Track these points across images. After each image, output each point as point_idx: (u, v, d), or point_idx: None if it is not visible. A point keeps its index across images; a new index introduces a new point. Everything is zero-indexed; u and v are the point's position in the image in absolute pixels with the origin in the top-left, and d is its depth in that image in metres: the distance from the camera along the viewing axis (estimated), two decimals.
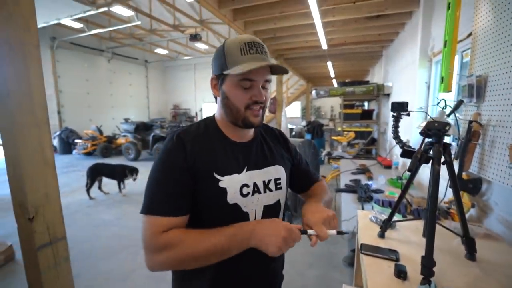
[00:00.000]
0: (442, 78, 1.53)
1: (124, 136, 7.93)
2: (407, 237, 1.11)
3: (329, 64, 7.64)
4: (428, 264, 0.79)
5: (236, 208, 0.69)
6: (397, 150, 3.48)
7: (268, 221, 0.63)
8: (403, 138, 3.33)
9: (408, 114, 1.15)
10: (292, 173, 0.85)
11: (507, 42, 1.20)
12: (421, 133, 0.89)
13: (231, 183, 0.68)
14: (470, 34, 1.62)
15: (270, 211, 0.74)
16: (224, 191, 0.67)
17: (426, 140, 0.90)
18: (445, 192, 1.33)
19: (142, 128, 7.79)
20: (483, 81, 1.30)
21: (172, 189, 0.64)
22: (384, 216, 1.23)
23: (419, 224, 1.17)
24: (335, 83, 11.87)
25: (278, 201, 0.76)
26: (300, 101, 14.82)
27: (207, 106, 15.20)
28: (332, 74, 9.66)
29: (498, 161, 1.17)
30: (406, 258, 0.96)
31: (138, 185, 4.82)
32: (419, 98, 2.71)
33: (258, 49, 0.66)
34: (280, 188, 0.77)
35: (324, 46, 4.87)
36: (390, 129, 4.92)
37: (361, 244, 1.04)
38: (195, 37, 9.08)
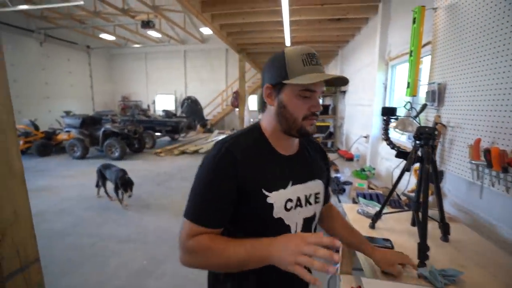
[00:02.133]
0: (408, 83, 1.74)
1: (67, 131, 6.97)
2: (393, 226, 1.27)
3: None
4: (423, 249, 0.93)
5: (280, 222, 0.70)
6: (357, 144, 3.84)
7: (283, 236, 0.60)
8: (363, 131, 3.68)
9: (397, 118, 1.30)
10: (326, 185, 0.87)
11: (460, 56, 1.43)
12: (414, 136, 1.02)
13: (277, 198, 0.69)
14: (426, 44, 1.88)
15: (308, 223, 0.77)
16: (271, 206, 0.68)
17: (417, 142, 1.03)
18: (408, 183, 1.55)
19: (89, 123, 6.94)
20: (442, 88, 1.53)
21: (215, 200, 0.66)
22: (370, 209, 1.38)
23: (400, 215, 1.34)
24: None
25: (315, 213, 0.79)
26: (257, 95, 15.01)
27: (160, 99, 14.28)
28: None
29: (457, 157, 1.41)
30: (397, 245, 1.10)
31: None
32: (378, 97, 3.02)
33: (317, 61, 0.67)
34: (318, 202, 0.79)
35: (288, 43, 5.01)
36: (346, 123, 5.36)
37: None
38: (147, 24, 8.38)
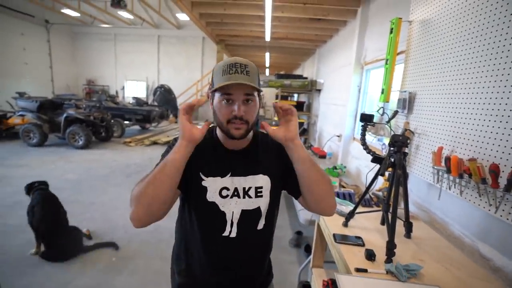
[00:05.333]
0: (382, 90, 1.86)
1: (21, 115, 6.28)
2: (363, 224, 1.37)
3: (267, 54, 7.91)
4: (391, 247, 1.02)
5: (214, 206, 0.79)
6: (330, 142, 4.01)
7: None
8: (336, 129, 3.85)
9: (374, 125, 1.38)
10: (286, 178, 0.86)
11: (430, 68, 1.56)
12: (388, 144, 1.10)
13: (212, 184, 0.79)
14: (400, 53, 2.00)
15: (248, 216, 0.82)
16: (205, 189, 0.79)
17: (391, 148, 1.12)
18: (376, 182, 1.67)
19: (48, 107, 6.32)
20: (413, 97, 1.66)
21: None
22: (344, 207, 1.47)
23: (370, 213, 1.45)
24: (267, 72, 12.43)
25: (258, 207, 0.83)
26: None
27: (130, 85, 13.48)
28: (267, 64, 10.05)
29: (421, 161, 1.55)
30: (368, 242, 1.19)
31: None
32: (352, 99, 3.18)
33: (238, 69, 0.72)
34: (261, 196, 0.83)
35: (268, 38, 5.01)
36: (319, 121, 5.54)
37: (334, 234, 1.23)
38: (118, 4, 7.79)
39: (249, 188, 0.81)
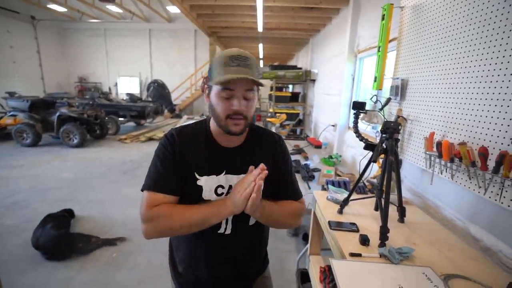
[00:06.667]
0: (375, 77, 1.86)
1: (13, 115, 6.19)
2: (358, 210, 1.39)
3: (260, 46, 7.82)
4: (384, 232, 1.05)
5: None
6: (325, 132, 4.03)
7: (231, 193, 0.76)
8: (331, 119, 3.85)
9: (366, 112, 1.39)
10: (272, 181, 0.84)
11: (421, 54, 1.56)
12: (380, 130, 1.11)
13: (207, 182, 0.79)
14: (392, 40, 2.00)
15: (241, 213, 0.80)
16: (200, 188, 0.79)
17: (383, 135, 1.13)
18: (371, 170, 1.69)
19: (40, 106, 6.23)
20: (405, 83, 1.67)
21: (164, 170, 0.77)
22: (339, 195, 1.49)
23: (364, 200, 1.47)
24: (261, 63, 12.31)
25: None
26: None
27: (123, 81, 13.27)
28: (261, 55, 9.94)
29: (414, 148, 1.56)
30: (362, 228, 1.22)
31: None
32: (346, 88, 3.17)
33: (240, 62, 0.71)
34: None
35: (260, 28, 4.94)
36: (315, 111, 5.54)
37: (329, 221, 1.25)
38: None
39: None
